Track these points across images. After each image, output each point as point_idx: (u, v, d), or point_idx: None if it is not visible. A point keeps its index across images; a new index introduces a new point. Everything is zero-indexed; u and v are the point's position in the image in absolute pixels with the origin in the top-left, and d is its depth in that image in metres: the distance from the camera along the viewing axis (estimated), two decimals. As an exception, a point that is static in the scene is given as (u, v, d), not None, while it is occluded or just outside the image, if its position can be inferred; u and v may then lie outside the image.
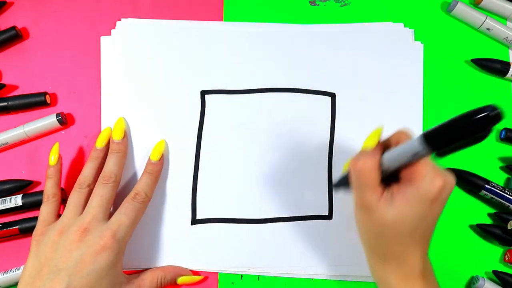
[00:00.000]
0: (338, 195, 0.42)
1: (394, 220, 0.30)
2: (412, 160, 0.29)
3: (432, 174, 0.29)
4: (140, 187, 0.38)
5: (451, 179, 0.30)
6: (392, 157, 0.30)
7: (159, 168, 0.40)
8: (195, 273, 0.40)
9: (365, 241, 0.33)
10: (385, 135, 0.32)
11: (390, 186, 0.31)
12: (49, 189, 0.38)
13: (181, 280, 0.39)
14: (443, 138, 0.27)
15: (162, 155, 0.41)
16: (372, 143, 0.32)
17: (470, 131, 0.26)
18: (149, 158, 0.40)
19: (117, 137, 0.40)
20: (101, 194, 0.37)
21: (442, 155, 0.29)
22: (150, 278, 0.38)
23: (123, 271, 0.37)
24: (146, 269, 0.39)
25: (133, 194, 0.38)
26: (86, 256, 0.33)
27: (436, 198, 0.29)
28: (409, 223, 0.30)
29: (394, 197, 0.30)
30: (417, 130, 0.43)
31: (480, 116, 0.25)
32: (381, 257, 0.32)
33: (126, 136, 0.41)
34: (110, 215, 0.37)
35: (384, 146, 0.32)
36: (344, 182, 0.35)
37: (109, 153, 0.40)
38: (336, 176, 0.42)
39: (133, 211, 0.37)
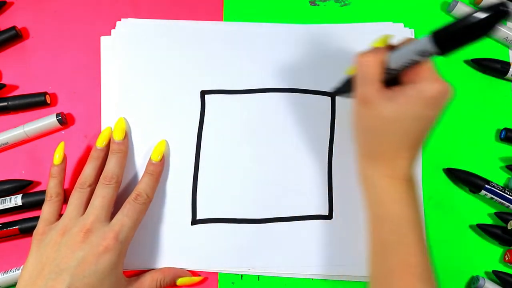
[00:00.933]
0: (338, 194, 0.42)
1: (391, 116, 0.31)
2: (417, 60, 0.30)
3: (433, 78, 0.30)
4: (141, 188, 0.38)
5: (450, 87, 0.31)
6: (397, 56, 0.31)
7: (160, 168, 0.40)
8: (195, 273, 0.40)
9: (359, 139, 0.35)
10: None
11: (392, 88, 0.32)
12: (52, 188, 0.38)
13: (180, 281, 0.39)
14: (453, 38, 0.28)
15: (163, 156, 0.41)
16: (380, 44, 0.34)
17: (480, 31, 0.26)
18: (150, 158, 0.40)
19: (118, 137, 0.40)
20: (103, 195, 0.37)
21: (448, 53, 0.29)
22: (149, 280, 0.38)
23: (123, 271, 0.37)
24: (146, 270, 0.39)
25: (134, 195, 0.38)
26: (88, 256, 0.33)
27: (434, 101, 0.31)
28: (405, 121, 0.31)
29: (395, 94, 0.31)
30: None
31: (491, 15, 0.25)
32: (371, 156, 0.34)
33: (127, 136, 0.41)
34: (112, 215, 0.37)
35: (391, 48, 0.33)
36: (345, 86, 0.36)
37: (110, 153, 0.40)
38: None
39: (135, 212, 0.37)
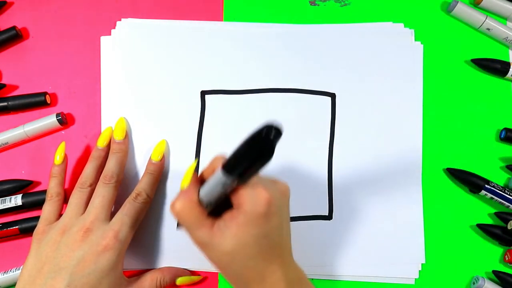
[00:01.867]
0: (338, 194, 0.42)
1: (234, 249, 0.29)
2: (228, 190, 0.28)
3: (254, 193, 0.28)
4: (141, 187, 0.38)
5: (280, 186, 0.29)
6: (207, 191, 0.30)
7: (160, 168, 0.40)
8: (195, 273, 0.40)
9: (221, 272, 0.32)
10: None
11: (223, 214, 0.30)
12: (53, 188, 0.38)
13: (180, 280, 0.39)
14: (239, 164, 0.26)
15: (163, 155, 0.41)
16: (187, 181, 0.31)
17: (257, 152, 0.25)
18: (150, 158, 0.40)
19: (118, 137, 0.40)
20: (103, 194, 0.37)
21: (246, 180, 0.28)
22: (149, 280, 0.38)
23: (123, 272, 0.37)
24: (146, 270, 0.39)
25: (134, 194, 0.38)
26: (88, 255, 0.33)
27: (267, 213, 0.29)
28: (251, 246, 0.29)
29: (227, 226, 0.29)
30: (417, 130, 0.43)
31: (261, 138, 0.24)
32: (242, 283, 0.31)
33: (128, 136, 0.41)
34: (112, 215, 0.37)
35: (202, 179, 0.31)
36: None
37: (110, 153, 0.40)
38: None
39: (135, 212, 0.37)
